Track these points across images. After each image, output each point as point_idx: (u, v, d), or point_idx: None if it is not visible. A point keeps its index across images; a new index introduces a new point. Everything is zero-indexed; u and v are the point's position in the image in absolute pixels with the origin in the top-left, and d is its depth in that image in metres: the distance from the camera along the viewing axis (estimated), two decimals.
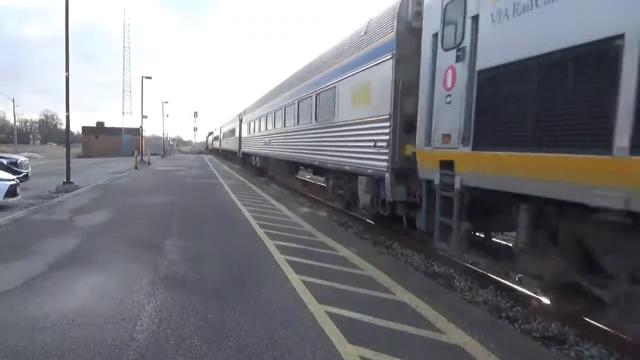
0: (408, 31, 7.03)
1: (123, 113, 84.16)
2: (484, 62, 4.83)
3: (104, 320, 3.83)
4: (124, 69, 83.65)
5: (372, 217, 9.63)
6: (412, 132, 6.62)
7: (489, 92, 4.75)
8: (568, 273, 4.29)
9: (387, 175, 7.35)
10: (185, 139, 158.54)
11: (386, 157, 7.36)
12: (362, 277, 5.29)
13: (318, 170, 13.16)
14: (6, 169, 13.94)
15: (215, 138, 59.17)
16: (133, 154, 31.47)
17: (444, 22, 5.61)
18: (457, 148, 5.22)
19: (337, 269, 5.59)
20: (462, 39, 5.19)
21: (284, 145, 15.75)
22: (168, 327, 3.74)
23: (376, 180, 8.15)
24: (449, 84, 5.46)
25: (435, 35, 5.79)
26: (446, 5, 5.56)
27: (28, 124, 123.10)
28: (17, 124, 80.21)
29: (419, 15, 6.77)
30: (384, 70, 7.46)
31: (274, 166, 19.68)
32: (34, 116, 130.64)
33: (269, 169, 21.48)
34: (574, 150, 3.68)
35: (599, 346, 4.26)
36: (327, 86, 10.67)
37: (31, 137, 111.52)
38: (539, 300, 5.24)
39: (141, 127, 46.14)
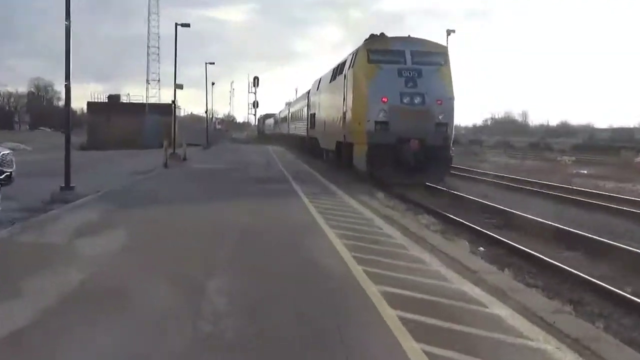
0: (309, 96, 28.71)
1: (148, 81, 55.46)
2: (310, 110, 27.30)
3: None
4: (149, 14, 57.48)
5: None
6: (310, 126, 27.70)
7: (312, 116, 26.55)
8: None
9: (306, 135, 29.52)
10: (239, 119, 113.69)
11: (306, 130, 29.58)
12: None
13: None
14: None
15: (275, 122, 59.80)
16: (162, 145, 21.87)
17: (308, 96, 29.13)
18: (308, 129, 28.44)
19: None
20: (309, 101, 28.22)
21: (297, 128, 35.79)
22: None
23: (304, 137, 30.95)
24: (307, 114, 28.93)
25: (308, 98, 28.85)
26: (308, 91, 29.59)
27: (12, 100, 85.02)
28: None
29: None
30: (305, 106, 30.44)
31: (289, 139, 40.98)
32: (21, 88, 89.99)
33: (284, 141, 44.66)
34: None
35: None
36: (299, 108, 34.61)
37: (16, 119, 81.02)
38: None
39: (174, 101, 30.73)
